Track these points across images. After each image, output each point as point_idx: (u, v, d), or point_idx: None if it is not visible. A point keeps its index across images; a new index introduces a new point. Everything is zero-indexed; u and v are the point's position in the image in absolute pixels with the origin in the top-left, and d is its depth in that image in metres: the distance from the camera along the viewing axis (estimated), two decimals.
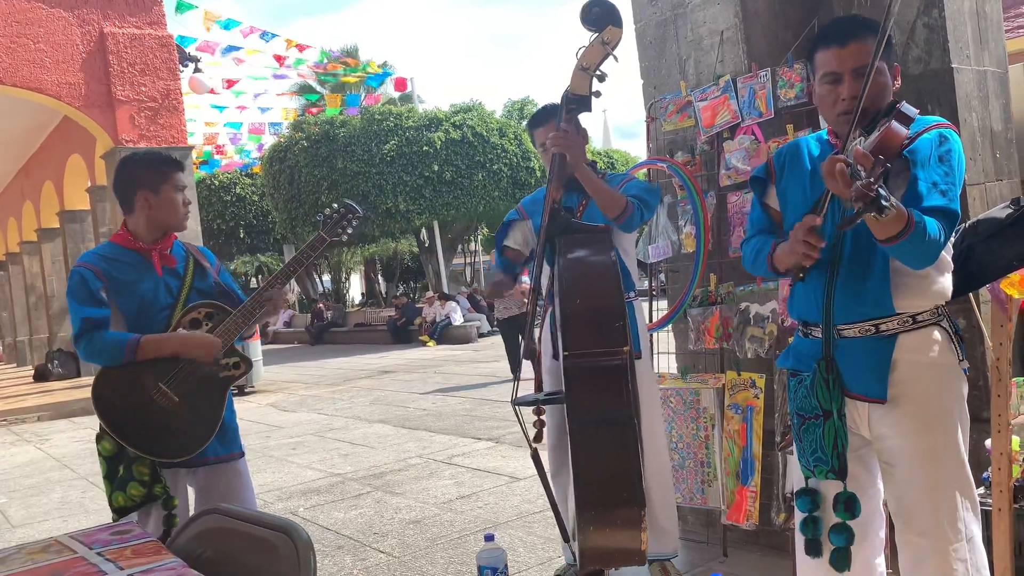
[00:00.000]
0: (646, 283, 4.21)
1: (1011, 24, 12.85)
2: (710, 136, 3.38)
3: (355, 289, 38.73)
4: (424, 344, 17.40)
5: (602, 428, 2.25)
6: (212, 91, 13.34)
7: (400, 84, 20.84)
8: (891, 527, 2.04)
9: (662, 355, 3.61)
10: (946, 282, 1.85)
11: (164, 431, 2.48)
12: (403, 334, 18.84)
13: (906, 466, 1.84)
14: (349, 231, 2.71)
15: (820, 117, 3.04)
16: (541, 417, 2.70)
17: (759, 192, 2.08)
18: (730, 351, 3.30)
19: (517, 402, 2.64)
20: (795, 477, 2.38)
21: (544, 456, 2.86)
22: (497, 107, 22.65)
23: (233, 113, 19.51)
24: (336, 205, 2.73)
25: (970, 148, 2.94)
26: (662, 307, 3.63)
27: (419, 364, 13.53)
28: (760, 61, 3.22)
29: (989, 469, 2.49)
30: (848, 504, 1.85)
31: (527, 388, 2.79)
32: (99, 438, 2.52)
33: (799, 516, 1.98)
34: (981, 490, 2.70)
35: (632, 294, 3.00)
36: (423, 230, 21.60)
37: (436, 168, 18.49)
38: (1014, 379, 2.65)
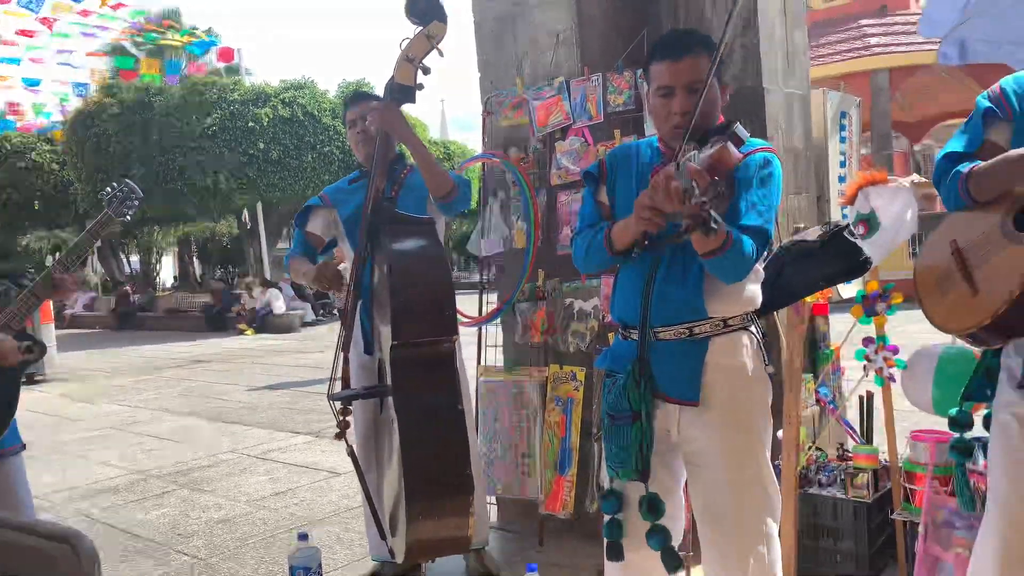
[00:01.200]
0: (477, 276, 4.23)
1: (813, 53, 14.12)
2: (543, 135, 3.44)
3: (167, 272, 36.14)
4: (242, 333, 16.55)
5: (432, 416, 2.23)
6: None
7: (226, 54, 19.64)
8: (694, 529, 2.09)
9: (489, 348, 3.64)
10: (756, 290, 1.95)
11: None
12: (219, 322, 17.81)
13: (713, 467, 1.91)
14: (130, 215, 2.52)
15: (646, 124, 3.20)
16: (347, 417, 2.63)
17: (592, 188, 2.10)
18: (554, 345, 3.39)
19: (334, 397, 2.56)
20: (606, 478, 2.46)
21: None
22: (331, 87, 21.94)
23: (33, 68, 17.53)
24: (116, 184, 2.53)
25: None
26: (491, 301, 3.66)
27: (236, 354, 12.86)
28: (593, 65, 3.31)
29: (780, 458, 2.72)
30: (651, 505, 1.87)
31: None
32: None
33: (605, 518, 1.99)
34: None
35: None
36: (245, 211, 20.53)
37: (262, 146, 17.59)
38: (804, 375, 2.91)
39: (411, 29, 2.42)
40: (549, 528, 3.37)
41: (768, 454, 1.96)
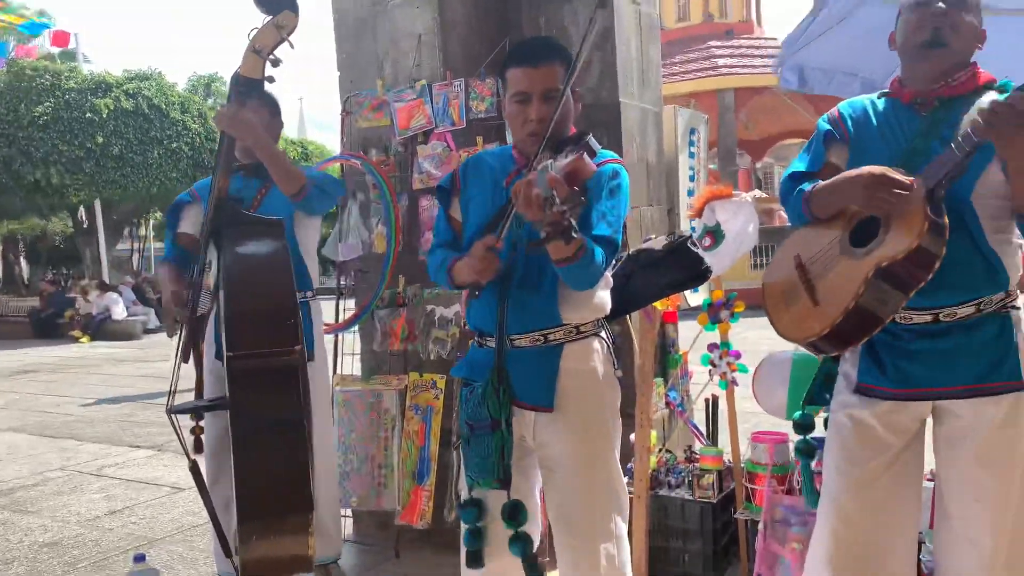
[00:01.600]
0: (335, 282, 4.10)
1: (664, 70, 14.76)
2: (405, 138, 3.39)
3: None
4: (76, 340, 15.30)
5: (270, 432, 2.11)
6: None
7: (60, 39, 18.12)
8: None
9: (346, 357, 3.53)
10: (606, 297, 2.00)
11: None
12: (49, 328, 16.37)
13: (566, 471, 1.94)
14: None
15: (507, 132, 3.21)
16: (200, 423, 2.48)
17: (444, 203, 2.11)
18: (414, 352, 3.33)
19: (173, 410, 2.40)
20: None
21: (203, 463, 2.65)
22: (181, 80, 20.78)
23: None
24: None
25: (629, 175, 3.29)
26: (349, 307, 3.55)
27: (69, 363, 11.88)
28: (456, 70, 3.30)
29: (632, 460, 2.80)
30: (513, 512, 1.88)
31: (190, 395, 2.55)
32: None
33: (463, 527, 1.99)
34: (625, 479, 3.03)
35: (309, 293, 2.89)
36: (82, 209, 19.05)
37: (101, 140, 16.33)
38: (655, 380, 3.02)
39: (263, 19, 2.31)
40: (406, 539, 3.31)
41: (617, 456, 2.02)
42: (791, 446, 2.48)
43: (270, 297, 2.23)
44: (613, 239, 1.85)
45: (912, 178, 1.62)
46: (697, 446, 3.23)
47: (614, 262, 2.07)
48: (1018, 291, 1.77)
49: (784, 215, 2.15)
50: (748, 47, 17.07)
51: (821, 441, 2.01)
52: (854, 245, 1.71)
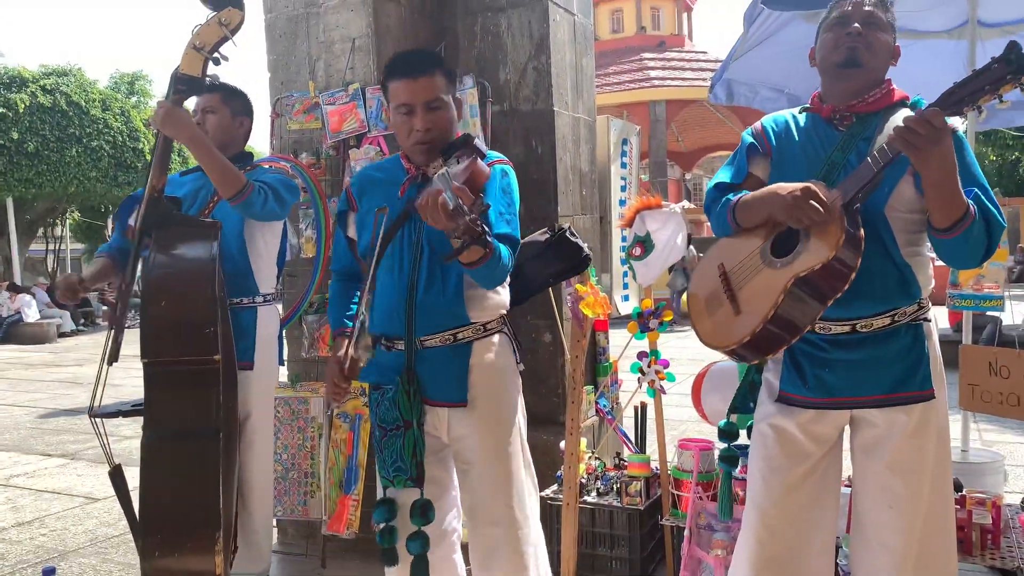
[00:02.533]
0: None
1: (598, 81, 14.96)
2: (336, 141, 3.34)
3: None
4: None
5: (179, 443, 2.06)
6: None
7: None
8: None
9: None
10: (505, 295, 2.08)
11: None
12: None
13: (480, 462, 2.00)
14: None
15: None
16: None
17: (343, 226, 2.14)
18: None
19: (95, 413, 2.30)
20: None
21: (131, 472, 2.54)
22: (102, 76, 20.05)
23: None
24: None
25: (563, 184, 3.32)
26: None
27: None
28: None
29: (561, 468, 2.80)
30: (423, 510, 1.94)
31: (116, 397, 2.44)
32: None
33: (376, 526, 2.02)
34: (555, 487, 3.04)
35: (258, 299, 2.79)
36: None
37: (16, 136, 15.62)
38: (585, 387, 3.04)
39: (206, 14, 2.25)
40: (332, 549, 3.24)
41: (525, 445, 2.08)
42: (716, 453, 2.53)
43: (189, 304, 2.17)
44: (513, 236, 1.93)
45: (833, 196, 1.67)
46: (626, 453, 3.26)
47: None
48: (929, 302, 1.85)
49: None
50: (680, 59, 17.46)
51: (745, 449, 2.06)
52: (775, 255, 1.76)
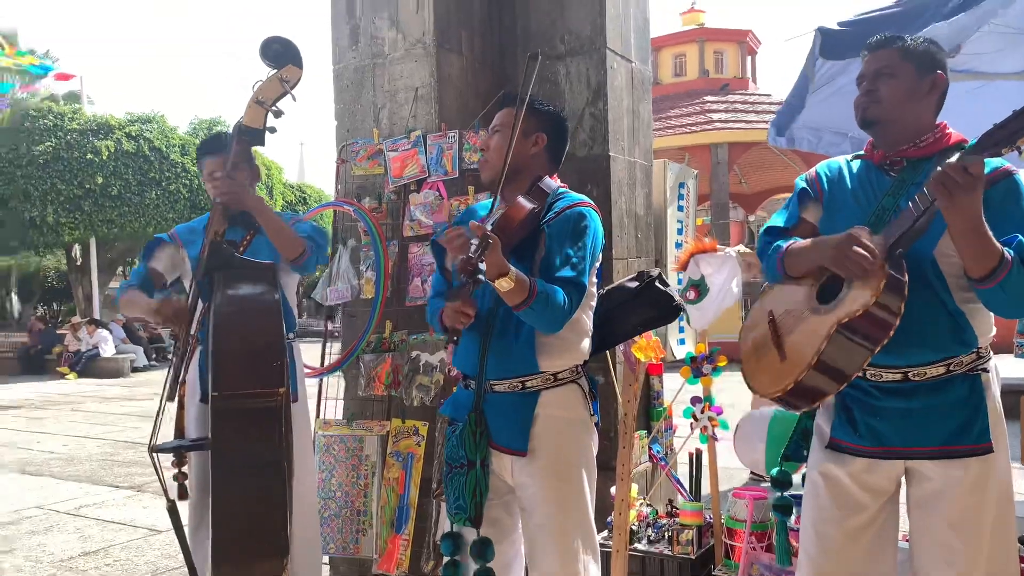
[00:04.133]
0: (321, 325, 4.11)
1: (660, 124, 15.02)
2: (398, 186, 3.44)
3: None
4: (63, 376, 15.19)
5: (249, 474, 2.12)
6: None
7: (64, 77, 18.37)
8: None
9: (329, 401, 3.52)
10: (584, 345, 2.05)
11: None
12: (36, 364, 16.27)
13: (539, 512, 1.99)
14: None
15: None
16: (183, 469, 2.47)
17: (438, 258, 2.19)
18: (397, 398, 3.33)
19: (155, 449, 2.39)
20: (446, 524, 2.44)
21: (185, 509, 2.62)
22: (182, 124, 21.00)
23: None
24: None
25: (618, 227, 3.34)
26: (334, 351, 3.56)
27: (53, 400, 11.76)
28: (450, 122, 3.37)
29: (612, 513, 2.78)
30: (479, 549, 1.96)
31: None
32: None
33: (444, 560, 2.06)
34: (605, 533, 3.01)
35: (291, 335, 2.89)
36: (77, 246, 19.06)
37: (101, 180, 16.47)
38: (638, 432, 3.02)
39: (267, 71, 2.39)
40: None
41: (590, 501, 2.05)
42: (770, 502, 2.48)
43: (259, 338, 2.25)
44: (577, 281, 1.92)
45: (877, 241, 1.65)
46: (680, 500, 3.21)
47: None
48: (990, 351, 1.80)
49: None
50: (743, 102, 17.36)
51: (799, 498, 2.01)
52: (821, 302, 1.74)
